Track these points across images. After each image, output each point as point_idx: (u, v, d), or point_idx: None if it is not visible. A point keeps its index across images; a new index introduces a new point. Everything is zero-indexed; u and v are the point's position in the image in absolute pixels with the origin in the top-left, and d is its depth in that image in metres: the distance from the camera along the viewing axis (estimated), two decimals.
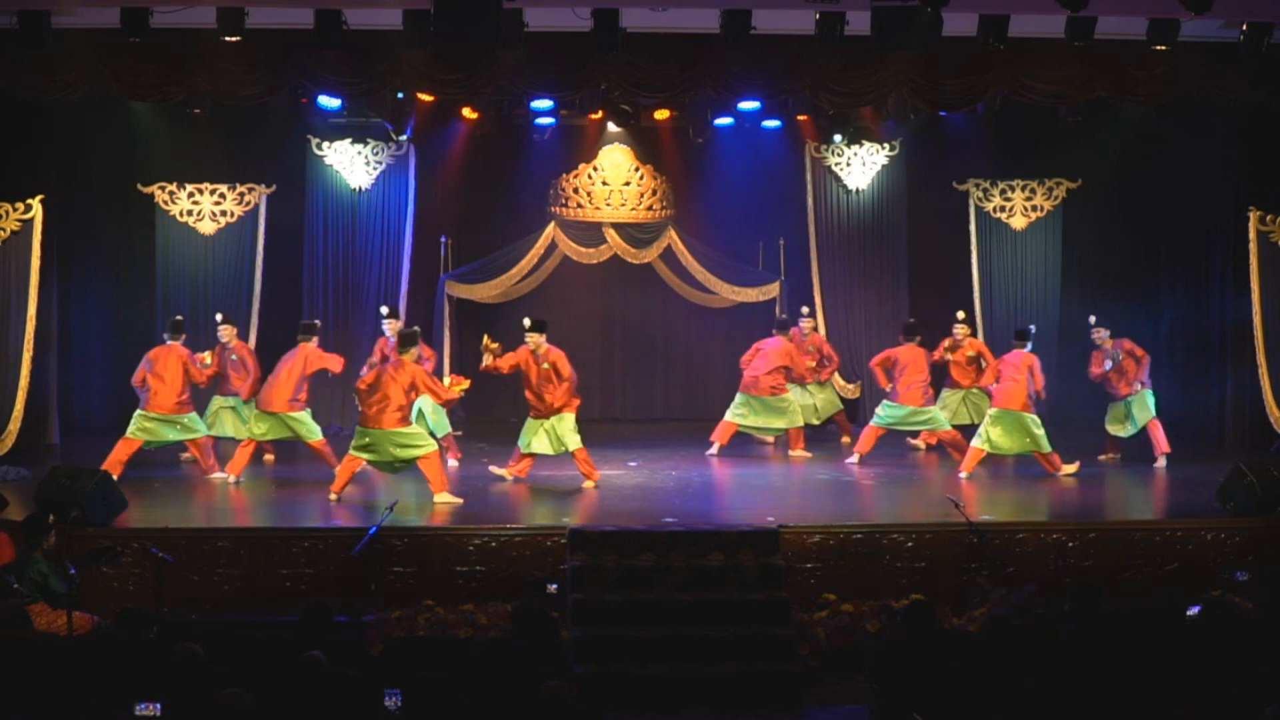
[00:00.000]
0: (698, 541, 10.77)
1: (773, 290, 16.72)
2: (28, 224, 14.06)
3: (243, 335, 14.95)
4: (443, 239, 16.39)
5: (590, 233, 16.57)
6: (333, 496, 12.14)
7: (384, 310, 14.61)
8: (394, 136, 15.28)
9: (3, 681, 7.61)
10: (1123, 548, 11.13)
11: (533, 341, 12.90)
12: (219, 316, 14.22)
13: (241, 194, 16.02)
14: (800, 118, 15.67)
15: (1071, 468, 13.42)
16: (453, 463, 13.82)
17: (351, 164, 16.13)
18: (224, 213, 16.00)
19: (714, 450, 14.72)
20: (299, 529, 11.19)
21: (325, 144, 16.03)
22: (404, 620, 10.25)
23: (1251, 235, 14.85)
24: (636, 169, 16.51)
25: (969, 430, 13.98)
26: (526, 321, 13.07)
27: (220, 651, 7.75)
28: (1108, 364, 14.01)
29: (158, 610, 9.51)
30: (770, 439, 15.25)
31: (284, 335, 14.08)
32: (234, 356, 13.98)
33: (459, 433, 14.74)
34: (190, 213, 15.96)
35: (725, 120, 15.40)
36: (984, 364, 14.60)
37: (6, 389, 13.92)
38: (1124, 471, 13.93)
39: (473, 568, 10.78)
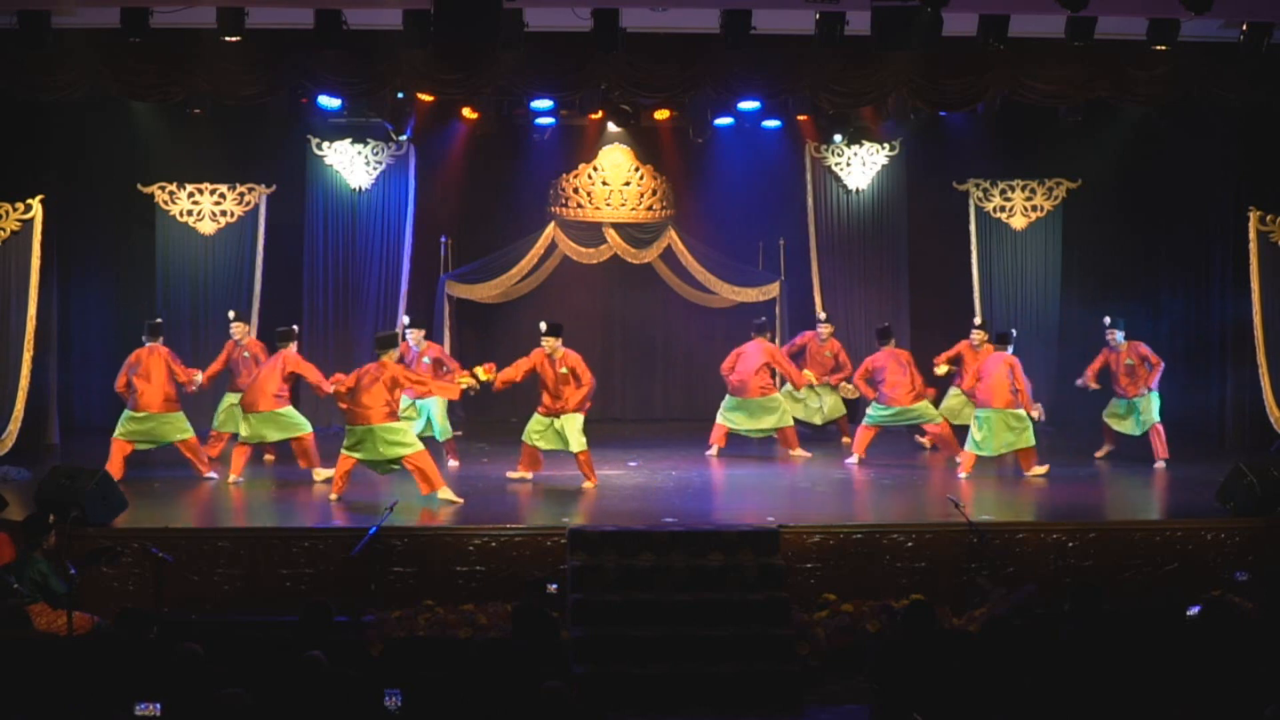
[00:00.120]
0: (698, 541, 10.78)
1: (773, 290, 16.72)
2: (28, 224, 14.08)
3: None
4: (443, 239, 16.40)
5: (590, 233, 16.57)
6: (332, 497, 12.16)
7: (405, 319, 14.57)
8: (394, 136, 15.28)
9: (3, 681, 7.61)
10: (1123, 548, 11.13)
11: (548, 345, 12.85)
12: (231, 314, 14.20)
13: (241, 194, 16.02)
14: (800, 118, 15.66)
15: (1041, 469, 13.39)
16: (453, 463, 13.85)
17: (351, 164, 16.12)
18: (224, 213, 16.00)
19: (713, 451, 14.73)
20: (299, 529, 11.20)
21: (325, 144, 16.03)
22: (404, 620, 10.25)
23: (1251, 235, 14.84)
24: (636, 169, 16.50)
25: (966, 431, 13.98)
26: (543, 325, 12.98)
27: (220, 651, 7.75)
28: (1093, 385, 14.15)
29: (158, 610, 9.51)
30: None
31: None
32: (247, 354, 13.92)
33: (459, 433, 14.75)
34: (190, 213, 15.96)
35: (725, 120, 15.39)
36: None
37: (6, 389, 13.92)
38: (1124, 471, 13.92)
39: (473, 568, 10.78)
